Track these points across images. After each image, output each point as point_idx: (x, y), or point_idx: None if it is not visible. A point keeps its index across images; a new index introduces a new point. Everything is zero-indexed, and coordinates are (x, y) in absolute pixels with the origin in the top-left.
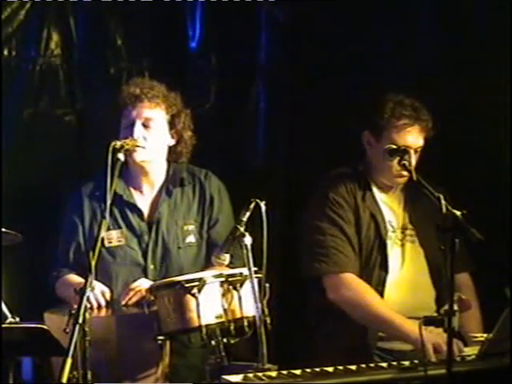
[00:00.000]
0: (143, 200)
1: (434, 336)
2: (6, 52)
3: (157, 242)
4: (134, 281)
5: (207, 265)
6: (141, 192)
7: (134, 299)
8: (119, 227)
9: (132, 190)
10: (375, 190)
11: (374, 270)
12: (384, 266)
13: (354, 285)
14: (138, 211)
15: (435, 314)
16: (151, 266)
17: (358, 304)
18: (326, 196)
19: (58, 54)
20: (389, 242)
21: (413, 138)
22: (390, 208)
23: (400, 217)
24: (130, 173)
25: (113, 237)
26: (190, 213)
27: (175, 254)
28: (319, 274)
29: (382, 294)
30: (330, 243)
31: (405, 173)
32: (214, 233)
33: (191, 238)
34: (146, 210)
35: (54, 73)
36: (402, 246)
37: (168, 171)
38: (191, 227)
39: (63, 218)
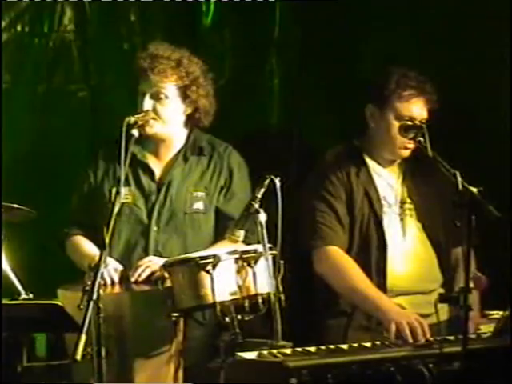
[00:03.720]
0: (157, 162)
1: (402, 316)
2: (19, 27)
3: (164, 205)
4: (143, 256)
5: (218, 236)
6: (156, 156)
7: (144, 275)
8: (128, 185)
9: (147, 152)
10: (372, 164)
11: (372, 246)
12: (382, 242)
13: (337, 257)
14: (149, 171)
15: (441, 290)
16: (154, 228)
17: (337, 276)
18: (319, 175)
19: (72, 30)
20: (385, 218)
21: (417, 109)
22: (387, 183)
23: (398, 191)
24: (148, 140)
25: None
26: (202, 181)
27: (181, 218)
28: (310, 250)
29: (383, 270)
30: (318, 219)
31: (409, 145)
32: (230, 206)
33: (199, 205)
34: (157, 171)
35: (68, 48)
36: (402, 220)
37: (188, 137)
38: (200, 194)
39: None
